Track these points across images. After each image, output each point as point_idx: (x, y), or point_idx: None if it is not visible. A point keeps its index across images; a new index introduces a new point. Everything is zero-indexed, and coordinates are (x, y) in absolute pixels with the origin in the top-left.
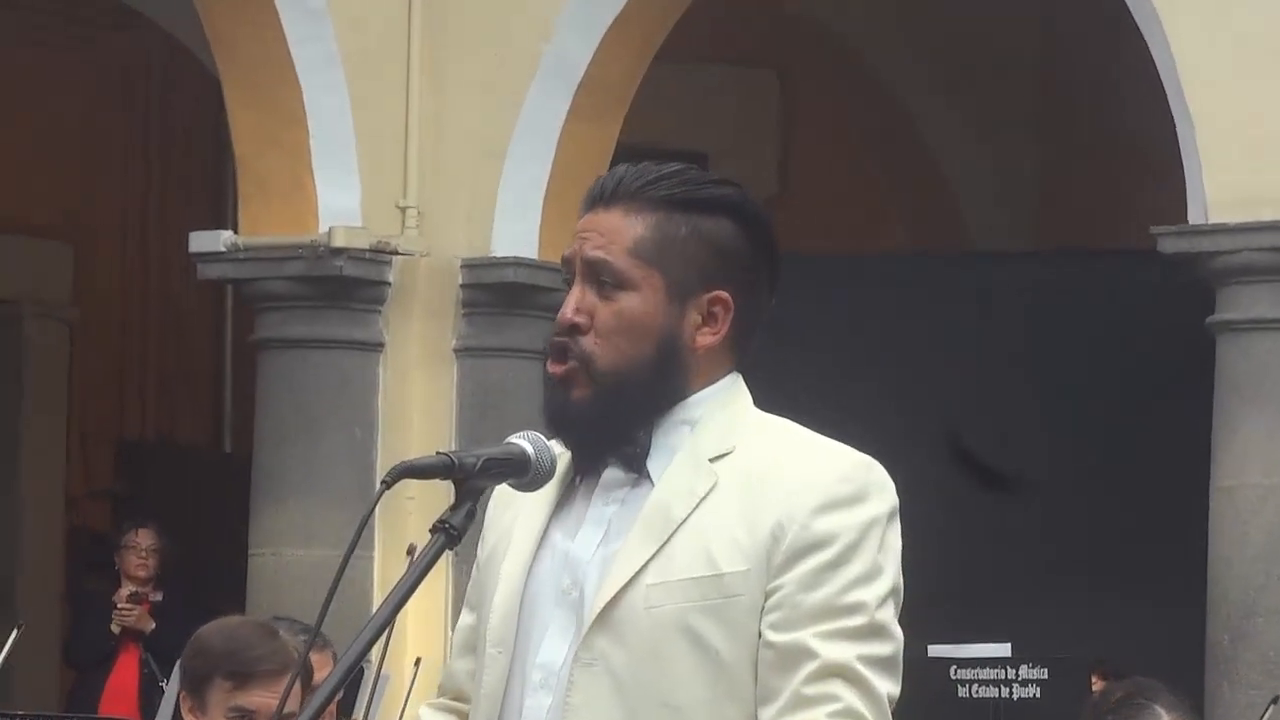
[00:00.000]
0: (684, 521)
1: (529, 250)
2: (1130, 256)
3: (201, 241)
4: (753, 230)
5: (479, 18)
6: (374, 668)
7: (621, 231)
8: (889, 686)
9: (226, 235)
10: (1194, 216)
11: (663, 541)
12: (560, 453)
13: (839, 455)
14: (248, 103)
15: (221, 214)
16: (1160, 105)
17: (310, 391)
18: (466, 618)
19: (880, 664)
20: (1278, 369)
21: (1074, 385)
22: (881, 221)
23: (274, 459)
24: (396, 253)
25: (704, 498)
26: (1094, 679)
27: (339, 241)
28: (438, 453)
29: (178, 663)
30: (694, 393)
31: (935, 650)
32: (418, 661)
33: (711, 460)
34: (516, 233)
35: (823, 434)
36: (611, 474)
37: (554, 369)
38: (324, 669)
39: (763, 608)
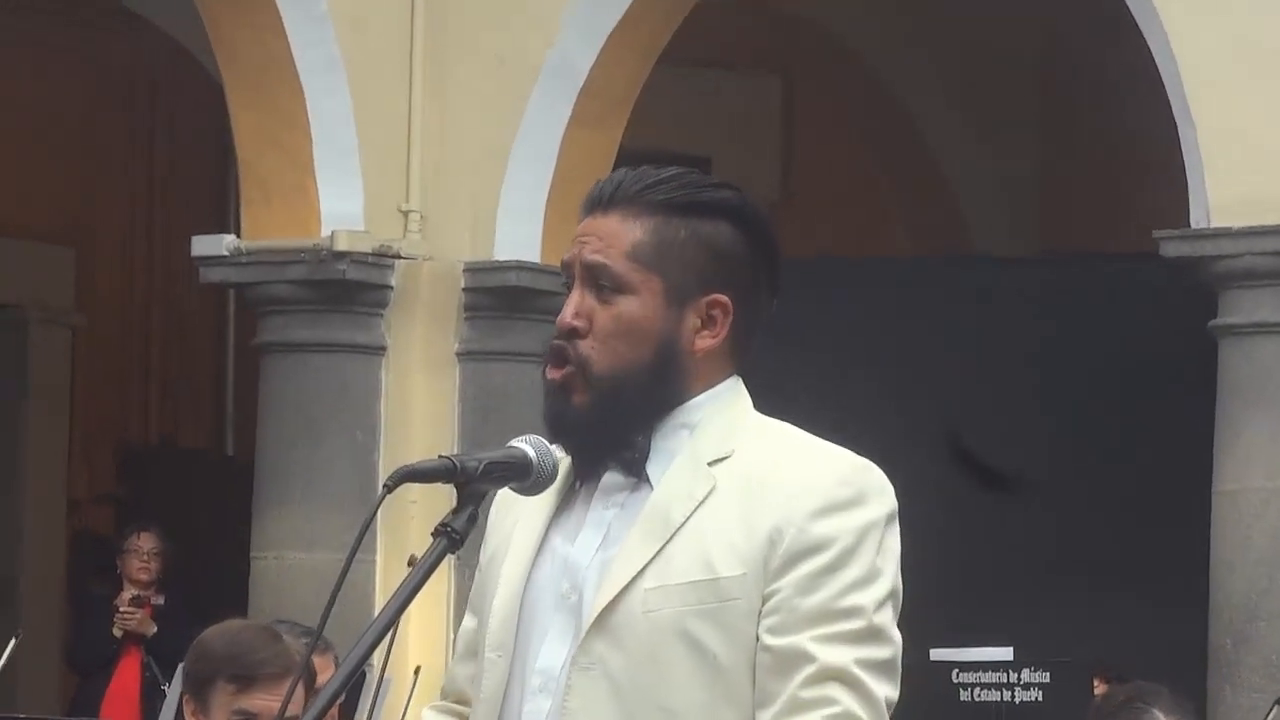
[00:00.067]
0: (682, 525)
1: (531, 254)
2: (1132, 260)
3: (204, 245)
4: (752, 233)
5: (481, 22)
6: (376, 672)
7: (620, 236)
8: (887, 690)
9: (229, 239)
10: (1196, 220)
11: (661, 545)
12: (562, 457)
13: (837, 459)
14: (250, 106)
15: (224, 218)
16: (1161, 107)
17: (312, 395)
18: (468, 621)
19: (878, 667)
20: None
21: (1075, 388)
22: (883, 224)
23: (276, 463)
24: (399, 256)
25: (702, 501)
26: (1096, 683)
27: (341, 245)
28: (440, 456)
29: (179, 666)
30: (693, 396)
31: (937, 654)
32: (417, 670)
33: (710, 464)
34: (519, 237)
35: (823, 435)
36: (611, 478)
37: (552, 374)
38: (326, 672)
39: (760, 612)
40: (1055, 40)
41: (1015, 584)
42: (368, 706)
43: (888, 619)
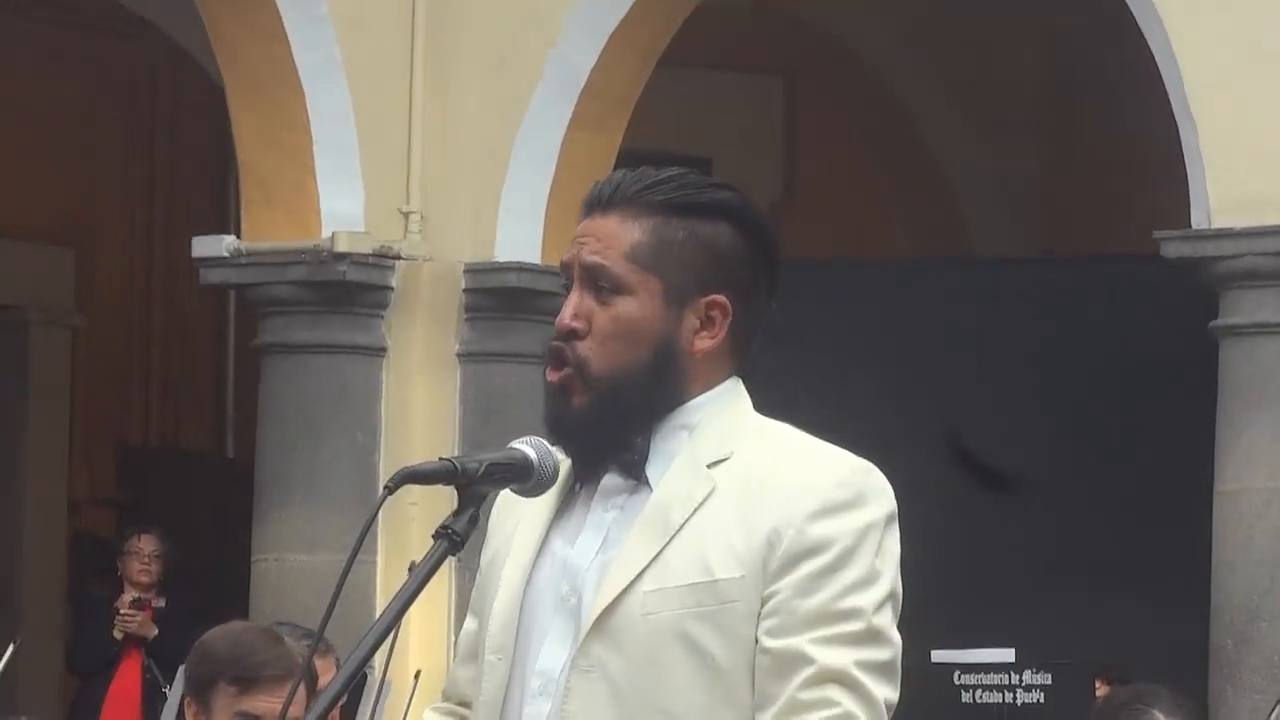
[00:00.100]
0: (681, 528)
1: (532, 255)
2: (1133, 260)
3: (204, 246)
4: (751, 234)
5: (482, 23)
6: (377, 674)
7: (618, 237)
8: (887, 692)
9: (229, 240)
10: (1197, 220)
11: (660, 548)
12: (563, 458)
13: (837, 461)
14: (251, 107)
15: (224, 219)
16: (1162, 107)
17: (313, 396)
18: (470, 623)
19: (878, 669)
20: None
21: (1076, 389)
22: (884, 224)
23: (277, 464)
24: (399, 257)
25: (701, 503)
26: (1098, 684)
27: (342, 246)
28: (440, 458)
29: (180, 668)
30: (692, 398)
31: (939, 656)
32: (417, 674)
33: (709, 466)
34: (519, 237)
35: (823, 435)
36: (610, 480)
37: (551, 375)
38: (327, 674)
39: (759, 614)
40: (1056, 41)
41: (1015, 584)
42: (369, 709)
43: (887, 621)
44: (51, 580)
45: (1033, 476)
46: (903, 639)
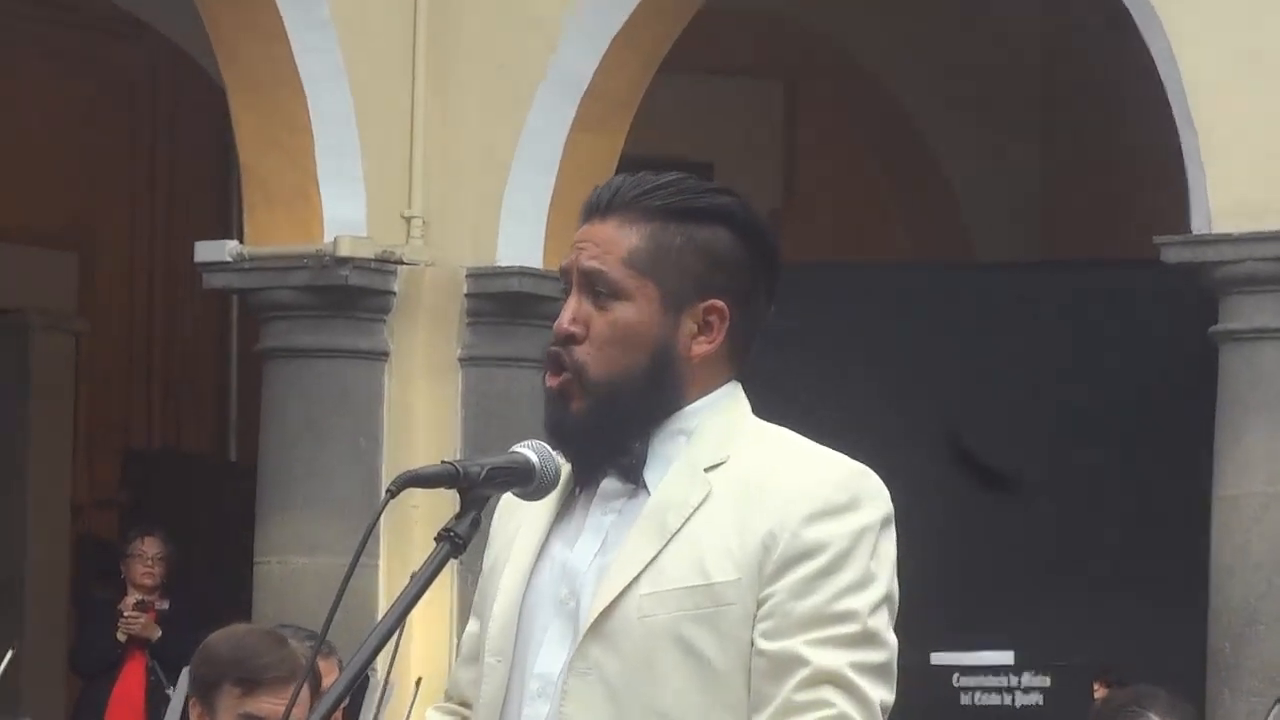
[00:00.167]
0: (678, 531)
1: (534, 260)
2: (1133, 265)
3: (206, 251)
4: (750, 239)
5: (484, 28)
6: (379, 676)
7: (617, 242)
8: (882, 694)
9: (232, 245)
10: (1197, 225)
11: (657, 551)
12: (564, 462)
13: (833, 464)
14: (253, 112)
15: (226, 223)
16: (1163, 112)
17: (315, 400)
18: (472, 625)
19: (873, 671)
20: None
21: (1076, 393)
22: (884, 228)
23: (279, 468)
24: (401, 262)
25: (698, 507)
26: (1096, 687)
27: (344, 251)
28: (442, 462)
29: (184, 670)
30: (690, 402)
31: (938, 658)
32: (418, 681)
33: (706, 470)
34: (521, 242)
35: (824, 437)
36: (609, 484)
37: (550, 380)
38: (330, 676)
39: (755, 616)
40: (1057, 45)
41: (1015, 585)
42: (371, 711)
43: (882, 623)
44: (55, 583)
45: (1033, 478)
46: (902, 640)
